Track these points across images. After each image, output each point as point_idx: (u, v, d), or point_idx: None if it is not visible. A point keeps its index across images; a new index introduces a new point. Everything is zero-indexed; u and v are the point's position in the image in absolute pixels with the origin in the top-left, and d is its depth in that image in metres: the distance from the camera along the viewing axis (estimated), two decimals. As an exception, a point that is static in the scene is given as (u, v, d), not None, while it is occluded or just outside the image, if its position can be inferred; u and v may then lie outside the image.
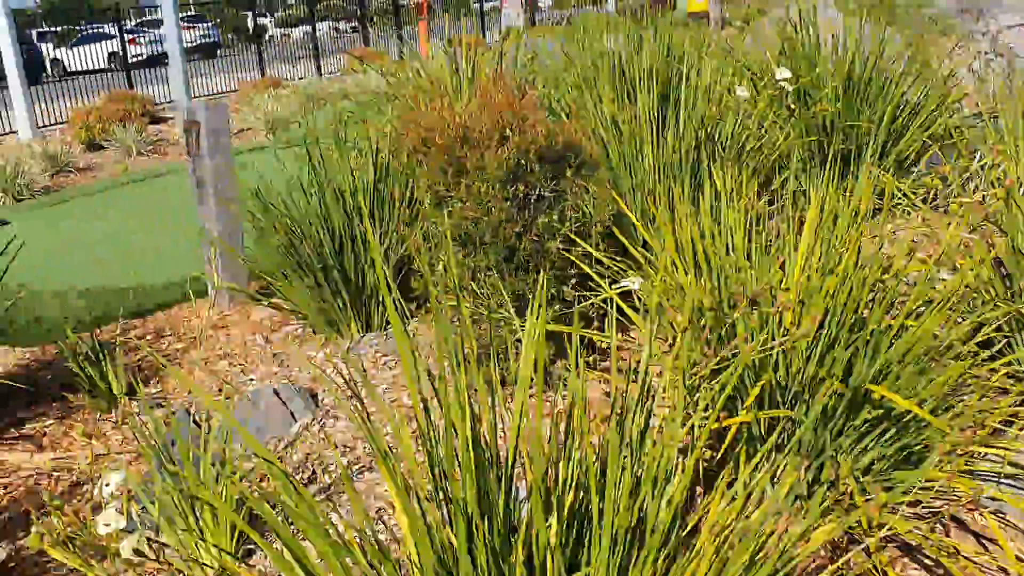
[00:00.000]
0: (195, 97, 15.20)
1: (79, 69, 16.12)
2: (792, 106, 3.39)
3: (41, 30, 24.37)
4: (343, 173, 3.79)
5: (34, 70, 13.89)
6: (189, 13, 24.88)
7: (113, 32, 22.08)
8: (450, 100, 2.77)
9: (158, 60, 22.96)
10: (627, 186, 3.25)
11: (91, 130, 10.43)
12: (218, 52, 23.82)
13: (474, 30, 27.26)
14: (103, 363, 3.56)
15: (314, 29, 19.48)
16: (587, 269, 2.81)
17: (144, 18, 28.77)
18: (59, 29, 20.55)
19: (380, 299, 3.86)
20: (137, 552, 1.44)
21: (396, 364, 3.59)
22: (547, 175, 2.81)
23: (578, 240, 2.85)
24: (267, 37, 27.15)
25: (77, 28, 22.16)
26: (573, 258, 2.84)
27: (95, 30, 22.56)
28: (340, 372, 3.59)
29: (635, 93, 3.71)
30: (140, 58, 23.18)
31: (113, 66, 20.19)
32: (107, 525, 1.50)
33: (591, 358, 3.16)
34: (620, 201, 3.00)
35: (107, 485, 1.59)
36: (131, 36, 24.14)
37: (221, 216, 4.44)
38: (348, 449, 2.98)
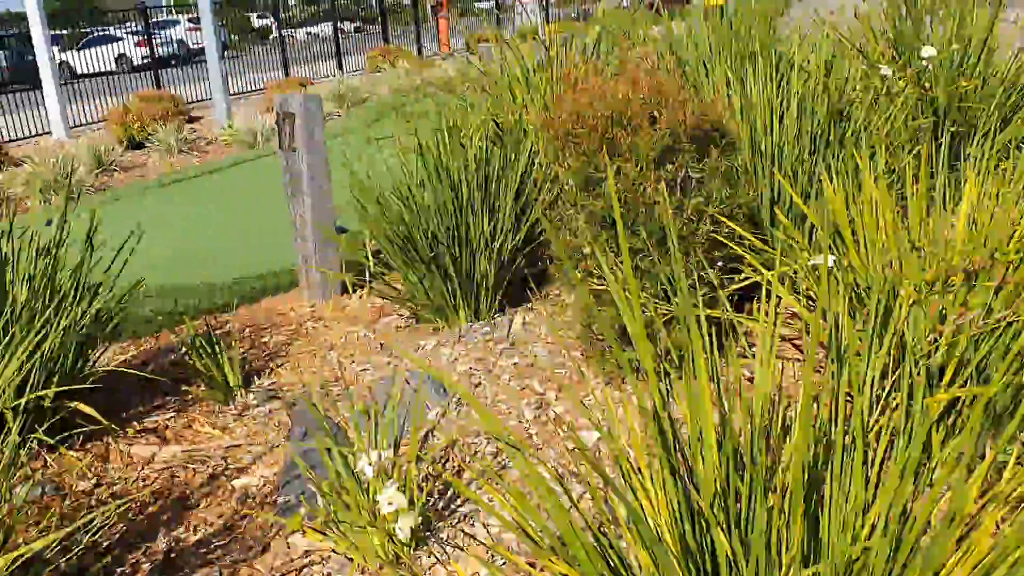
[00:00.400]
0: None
1: (87, 72, 15.94)
2: (928, 84, 3.36)
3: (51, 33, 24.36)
4: (455, 160, 3.76)
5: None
6: (194, 15, 24.86)
7: (120, 35, 22.03)
8: (602, 82, 2.73)
9: (168, 62, 22.93)
10: (756, 166, 3.22)
11: (129, 129, 10.41)
12: (224, 53, 23.69)
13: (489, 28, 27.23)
14: (219, 354, 3.53)
15: (336, 28, 19.45)
16: (739, 250, 2.78)
17: (153, 20, 28.66)
18: (65, 32, 20.48)
19: (488, 286, 3.83)
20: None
21: (515, 352, 3.56)
22: (695, 155, 2.78)
23: (726, 221, 2.82)
24: (271, 38, 27.11)
25: (84, 31, 22.10)
26: (723, 239, 2.81)
27: (101, 33, 22.53)
28: (450, 361, 3.56)
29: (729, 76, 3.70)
30: (149, 59, 23.14)
31: (123, 68, 20.16)
32: (390, 504, 1.47)
33: (726, 341, 3.13)
34: (761, 180, 2.97)
35: (369, 465, 1.56)
36: (141, 38, 24.11)
37: (316, 208, 4.42)
38: (491, 439, 2.95)
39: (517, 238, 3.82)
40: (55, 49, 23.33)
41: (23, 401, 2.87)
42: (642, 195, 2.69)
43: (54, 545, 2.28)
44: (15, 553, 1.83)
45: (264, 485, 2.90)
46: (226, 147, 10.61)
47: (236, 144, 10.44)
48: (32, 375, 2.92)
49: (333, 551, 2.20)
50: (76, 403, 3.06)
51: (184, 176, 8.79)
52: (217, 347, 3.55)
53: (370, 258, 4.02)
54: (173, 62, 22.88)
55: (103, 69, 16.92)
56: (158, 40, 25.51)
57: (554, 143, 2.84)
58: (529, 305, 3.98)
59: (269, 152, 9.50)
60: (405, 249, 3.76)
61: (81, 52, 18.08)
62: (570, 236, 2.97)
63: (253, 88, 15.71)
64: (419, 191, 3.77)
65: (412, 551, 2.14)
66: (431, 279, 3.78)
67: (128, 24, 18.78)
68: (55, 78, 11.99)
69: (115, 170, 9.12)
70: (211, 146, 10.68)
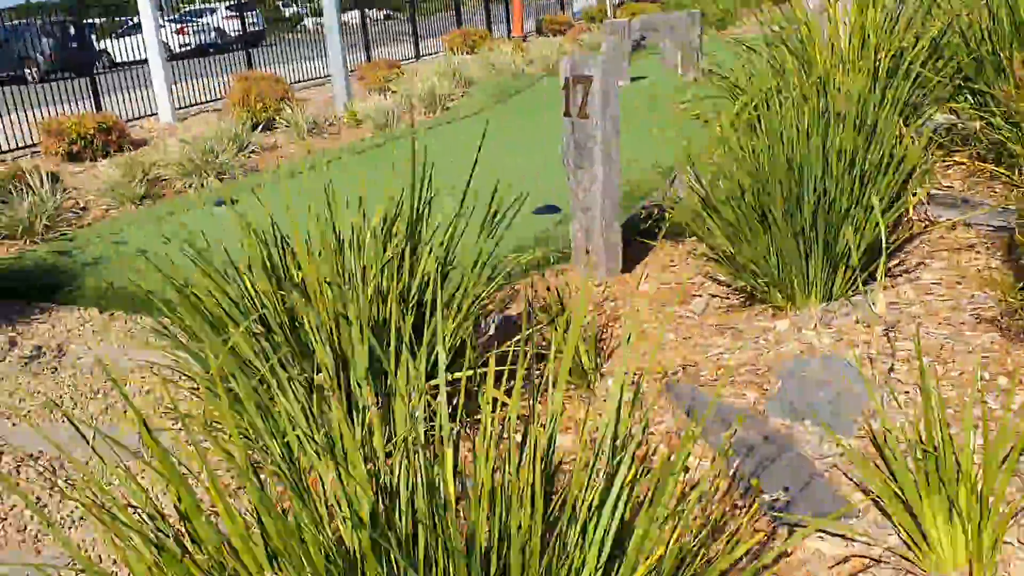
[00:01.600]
0: (299, 81, 14.87)
1: (127, 60, 15.35)
2: None
3: (86, 20, 24.04)
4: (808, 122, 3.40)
5: (90, 62, 13.38)
6: (232, 2, 24.60)
7: (161, 22, 21.65)
8: None
9: (206, 50, 22.61)
10: None
11: (253, 111, 10.12)
12: (262, 41, 23.27)
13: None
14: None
15: (413, 12, 19.08)
16: None
17: (188, 7, 28.30)
18: (101, 21, 20.14)
19: (849, 263, 3.47)
20: None
21: (899, 336, 3.21)
22: None
23: None
24: (300, 27, 26.82)
25: (122, 19, 21.78)
26: None
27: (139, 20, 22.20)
28: (833, 343, 3.21)
29: None
30: (189, 47, 22.90)
31: (162, 55, 19.78)
32: None
33: None
34: None
35: None
36: (180, 25, 23.78)
37: (607, 180, 4.08)
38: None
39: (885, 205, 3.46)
40: (92, 37, 23.09)
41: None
42: None
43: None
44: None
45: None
46: (353, 128, 10.29)
47: (366, 125, 10.13)
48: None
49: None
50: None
51: (350, 151, 8.50)
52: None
53: (715, 227, 3.65)
54: (212, 50, 22.60)
55: (143, 57, 16.31)
56: (194, 27, 25.26)
57: None
58: (878, 284, 3.62)
59: (409, 131, 9.22)
60: (764, 215, 3.41)
61: (120, 40, 17.63)
62: None
63: (317, 75, 15.23)
64: (775, 151, 3.41)
65: None
66: (787, 251, 3.42)
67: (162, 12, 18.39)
68: (163, 60, 11.71)
69: (253, 151, 8.82)
70: (332, 127, 10.37)
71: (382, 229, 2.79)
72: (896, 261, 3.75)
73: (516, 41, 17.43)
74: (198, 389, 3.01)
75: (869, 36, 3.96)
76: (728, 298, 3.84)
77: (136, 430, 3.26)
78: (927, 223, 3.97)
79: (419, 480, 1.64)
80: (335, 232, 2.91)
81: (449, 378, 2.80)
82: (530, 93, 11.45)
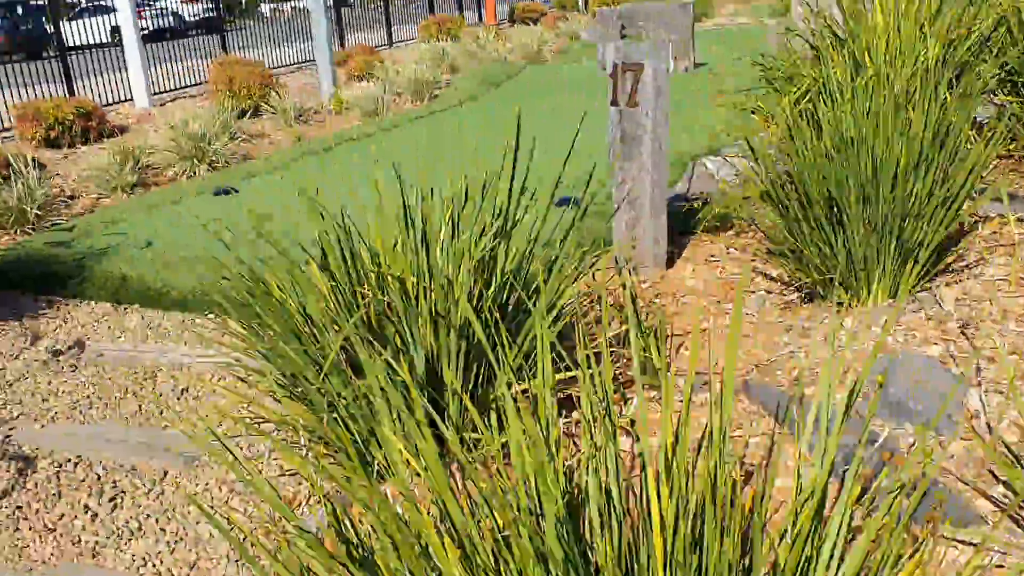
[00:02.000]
0: (272, 67, 14.54)
1: (78, 44, 14.70)
2: None
3: (37, 3, 23.25)
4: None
5: (37, 45, 12.85)
6: None
7: (115, 5, 21.00)
8: None
9: (162, 35, 22.03)
10: None
11: (238, 98, 9.84)
12: (220, 28, 22.71)
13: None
14: (643, 335, 3.10)
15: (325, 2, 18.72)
16: None
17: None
18: (48, 1, 19.50)
19: (917, 258, 3.41)
20: None
21: (977, 333, 3.15)
22: None
23: None
24: (257, 14, 26.28)
25: (73, 1, 21.17)
26: None
27: (94, 3, 21.60)
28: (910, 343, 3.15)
29: None
30: (145, 31, 22.30)
31: (117, 40, 19.15)
32: None
33: None
34: None
35: None
36: (137, 9, 23.11)
37: (656, 171, 3.97)
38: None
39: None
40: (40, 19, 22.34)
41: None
42: None
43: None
44: None
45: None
46: (338, 116, 10.06)
47: (352, 112, 9.91)
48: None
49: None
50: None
51: (345, 138, 8.29)
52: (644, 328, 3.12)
53: (776, 220, 3.56)
54: (168, 35, 22.10)
55: (97, 41, 15.57)
56: (150, 12, 24.64)
57: None
58: (942, 280, 3.57)
59: (400, 120, 9.02)
60: (832, 209, 3.33)
61: (72, 23, 16.99)
62: None
63: (290, 61, 14.87)
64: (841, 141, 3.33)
65: None
66: (859, 246, 3.35)
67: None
68: (139, 44, 11.35)
69: (241, 139, 8.56)
70: (317, 115, 10.12)
71: (474, 220, 2.65)
72: (953, 257, 3.70)
73: (493, 29, 17.24)
74: (270, 391, 2.84)
75: (923, 26, 3.90)
76: (784, 294, 3.76)
77: (189, 431, 3.07)
78: (977, 219, 3.93)
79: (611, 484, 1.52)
80: (411, 222, 2.76)
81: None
82: (516, 82, 11.31)
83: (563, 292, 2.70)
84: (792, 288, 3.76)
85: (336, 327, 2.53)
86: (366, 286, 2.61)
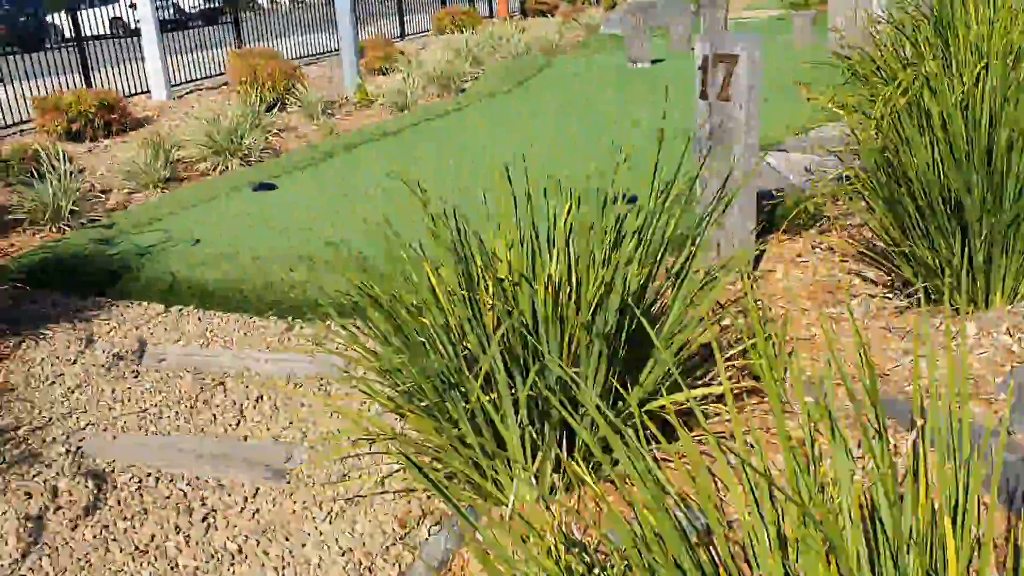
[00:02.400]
0: (291, 60, 14.31)
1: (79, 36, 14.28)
2: None
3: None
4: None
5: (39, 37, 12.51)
6: None
7: None
8: None
9: (164, 26, 21.57)
10: None
11: (262, 90, 9.62)
12: (219, 19, 22.28)
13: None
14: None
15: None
16: None
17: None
18: None
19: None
20: None
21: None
22: None
23: None
24: (253, 5, 25.88)
25: None
26: None
27: None
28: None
29: None
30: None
31: (116, 31, 18.73)
32: None
33: None
34: None
35: None
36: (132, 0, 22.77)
37: (747, 171, 3.79)
38: None
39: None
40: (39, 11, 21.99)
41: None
42: None
43: None
44: None
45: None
46: (364, 109, 9.86)
47: (383, 106, 9.72)
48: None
49: None
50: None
51: (380, 132, 8.11)
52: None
53: (887, 221, 3.38)
54: (170, 26, 21.74)
55: (96, 33, 15.04)
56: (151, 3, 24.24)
57: None
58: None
59: (433, 112, 8.83)
60: (951, 211, 3.15)
61: (71, 14, 16.58)
62: None
63: (305, 52, 14.62)
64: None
65: None
66: (985, 249, 3.18)
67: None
68: (158, 36, 11.12)
69: (270, 133, 8.34)
70: (342, 108, 9.91)
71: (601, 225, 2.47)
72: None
73: (514, 21, 17.01)
74: (396, 406, 2.65)
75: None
76: (886, 297, 3.59)
77: (281, 442, 2.84)
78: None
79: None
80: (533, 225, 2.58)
81: (685, 398, 2.51)
82: (544, 76, 11.10)
83: (697, 304, 2.53)
84: (894, 291, 3.59)
85: (462, 338, 2.35)
86: (490, 291, 2.43)
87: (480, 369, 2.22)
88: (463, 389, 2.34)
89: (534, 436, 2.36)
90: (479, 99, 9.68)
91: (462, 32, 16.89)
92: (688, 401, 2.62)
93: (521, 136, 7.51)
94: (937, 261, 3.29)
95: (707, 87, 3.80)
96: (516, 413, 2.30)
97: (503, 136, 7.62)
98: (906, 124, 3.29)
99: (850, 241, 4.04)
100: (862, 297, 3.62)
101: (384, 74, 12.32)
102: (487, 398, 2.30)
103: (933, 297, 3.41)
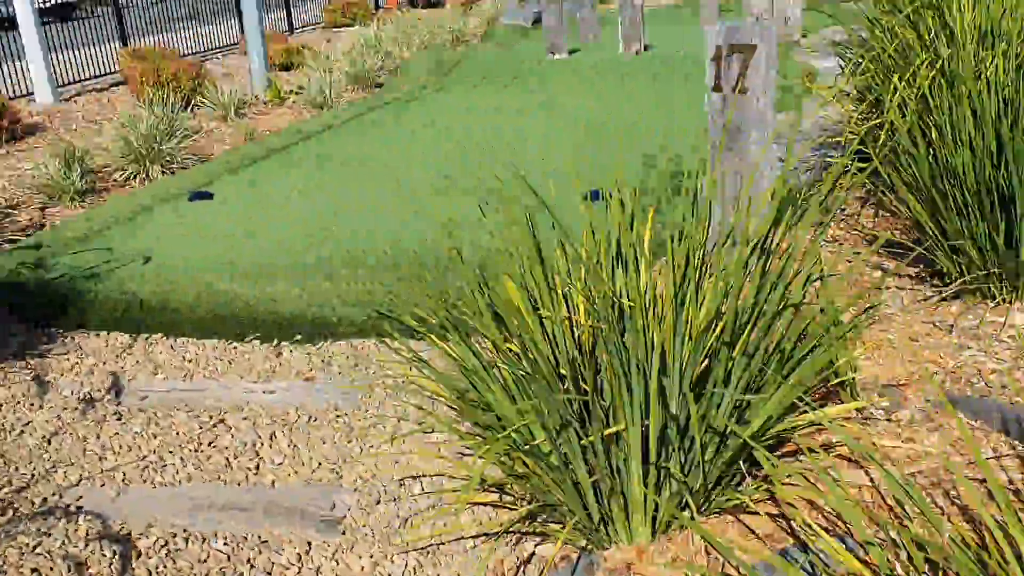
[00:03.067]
0: (195, 53, 13.54)
1: None
2: None
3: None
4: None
5: None
6: None
7: None
8: None
9: (2, 23, 20.06)
10: None
11: (168, 90, 8.98)
12: (73, 15, 20.90)
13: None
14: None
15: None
16: None
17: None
18: None
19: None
20: None
21: None
22: None
23: None
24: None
25: None
26: None
27: None
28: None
29: None
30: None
31: None
32: None
33: None
34: None
35: None
36: None
37: (765, 166, 3.68)
38: None
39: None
40: None
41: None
42: None
43: None
44: None
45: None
46: (280, 108, 9.36)
47: (295, 104, 9.24)
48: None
49: None
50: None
51: (306, 133, 7.65)
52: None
53: (920, 210, 3.31)
54: (8, 24, 20.32)
55: None
56: None
57: None
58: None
59: (366, 108, 8.44)
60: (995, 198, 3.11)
61: None
62: None
63: (192, 49, 13.84)
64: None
65: None
66: (1018, 238, 3.15)
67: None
68: (39, 34, 10.25)
69: (185, 136, 7.77)
70: (253, 108, 9.38)
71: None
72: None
73: (404, 12, 16.61)
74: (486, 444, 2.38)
75: None
76: (916, 289, 3.54)
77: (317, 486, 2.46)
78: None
79: None
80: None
81: (814, 418, 2.36)
82: (462, 68, 10.83)
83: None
84: (923, 282, 3.54)
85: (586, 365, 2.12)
86: (579, 313, 2.21)
87: (611, 405, 2.00)
88: (579, 423, 2.11)
89: (657, 474, 2.15)
90: (407, 95, 9.34)
91: (353, 25, 16.42)
92: (831, 423, 2.47)
93: (462, 133, 7.25)
94: (979, 253, 3.24)
95: (721, 79, 3.66)
96: (643, 448, 2.08)
97: (446, 131, 7.34)
98: (945, 100, 3.23)
99: (865, 233, 3.99)
100: (893, 290, 3.56)
101: (286, 70, 11.78)
102: (609, 431, 2.08)
103: (971, 289, 3.37)
